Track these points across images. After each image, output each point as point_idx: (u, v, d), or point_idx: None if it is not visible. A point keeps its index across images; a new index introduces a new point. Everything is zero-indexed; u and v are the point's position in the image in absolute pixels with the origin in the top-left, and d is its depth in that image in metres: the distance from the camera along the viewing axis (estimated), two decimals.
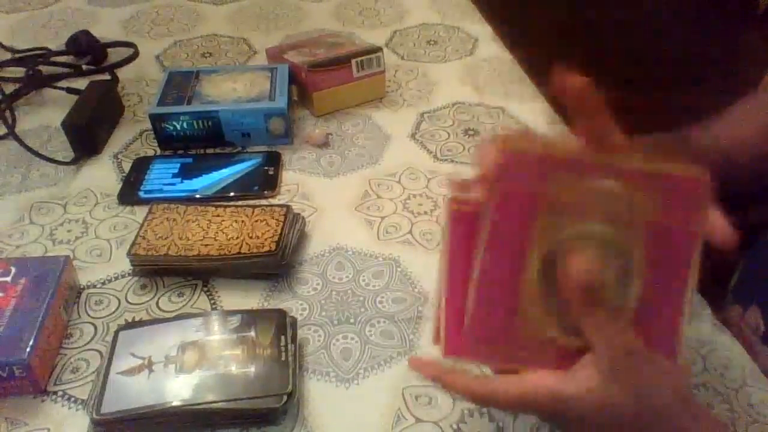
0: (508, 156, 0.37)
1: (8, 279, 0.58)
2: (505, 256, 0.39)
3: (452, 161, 0.80)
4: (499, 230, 0.38)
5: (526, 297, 0.39)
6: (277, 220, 0.66)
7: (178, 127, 0.80)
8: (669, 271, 0.39)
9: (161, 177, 0.77)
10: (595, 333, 0.37)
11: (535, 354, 0.40)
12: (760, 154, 0.56)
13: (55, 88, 0.92)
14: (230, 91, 0.83)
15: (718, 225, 0.38)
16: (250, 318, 0.57)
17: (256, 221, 0.66)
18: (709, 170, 0.38)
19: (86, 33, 1.00)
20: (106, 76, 0.95)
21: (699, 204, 0.38)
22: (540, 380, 0.38)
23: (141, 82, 0.96)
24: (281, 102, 0.81)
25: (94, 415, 0.50)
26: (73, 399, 0.54)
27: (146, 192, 0.74)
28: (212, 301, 0.62)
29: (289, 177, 0.78)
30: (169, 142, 0.82)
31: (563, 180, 0.37)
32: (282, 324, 0.56)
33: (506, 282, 0.39)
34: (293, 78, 0.87)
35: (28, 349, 0.52)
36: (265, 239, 0.64)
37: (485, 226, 0.38)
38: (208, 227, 0.66)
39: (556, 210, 0.38)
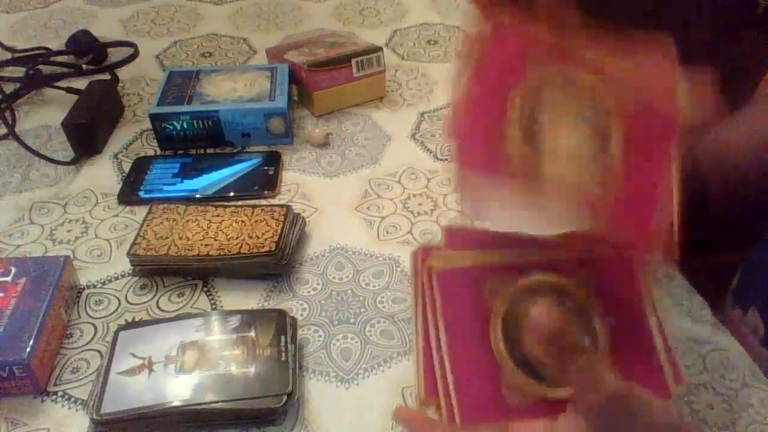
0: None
1: (8, 279, 0.58)
2: (467, 337, 0.39)
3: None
4: (455, 317, 0.39)
5: (503, 365, 0.39)
6: (277, 220, 0.66)
7: (178, 127, 0.80)
8: (625, 305, 0.39)
9: (161, 177, 0.77)
10: (574, 381, 0.36)
11: (525, 414, 0.39)
12: (762, 160, 0.57)
13: (55, 87, 0.91)
14: (230, 91, 0.83)
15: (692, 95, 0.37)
16: (250, 318, 0.57)
17: (256, 221, 0.66)
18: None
19: (86, 32, 1.00)
20: (106, 76, 0.95)
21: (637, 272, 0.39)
22: (526, 430, 0.38)
23: (141, 82, 0.96)
24: (281, 102, 0.81)
25: (94, 416, 0.50)
26: (73, 399, 0.54)
27: (146, 192, 0.74)
28: (212, 301, 0.62)
29: (289, 177, 0.78)
30: (170, 142, 0.82)
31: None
32: (282, 324, 0.56)
33: (479, 356, 0.39)
34: (293, 78, 0.87)
35: (28, 349, 0.52)
36: (265, 239, 0.64)
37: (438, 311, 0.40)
38: (208, 227, 0.66)
39: (503, 275, 0.39)
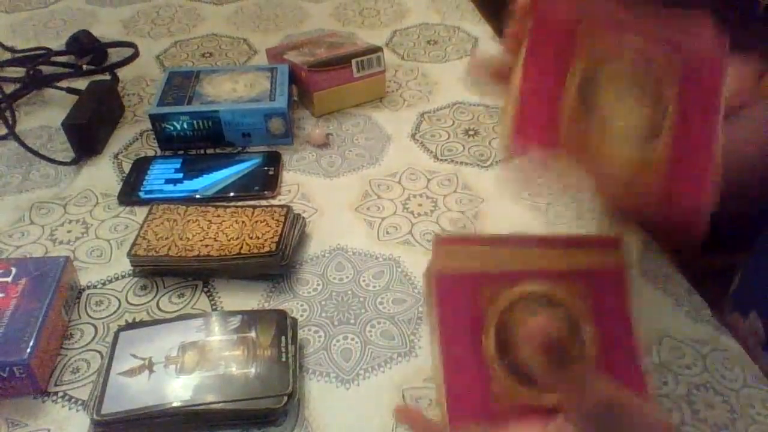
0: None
1: (8, 279, 0.58)
2: (460, 342, 0.41)
3: (452, 161, 0.80)
4: (451, 321, 0.41)
5: (493, 371, 0.40)
6: (277, 220, 0.66)
7: (178, 127, 0.80)
8: (614, 315, 0.40)
9: (161, 177, 0.77)
10: (566, 388, 0.37)
11: (512, 419, 0.40)
12: (764, 158, 0.56)
13: (56, 88, 0.91)
14: (230, 91, 0.83)
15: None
16: (251, 319, 0.57)
17: (257, 222, 0.66)
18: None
19: (86, 33, 1.00)
20: (106, 76, 0.95)
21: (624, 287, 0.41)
22: None
23: (141, 82, 0.96)
24: (281, 102, 0.81)
25: (95, 416, 0.50)
26: (73, 400, 0.54)
27: (146, 192, 0.74)
28: (212, 302, 0.62)
29: (289, 177, 0.78)
30: (170, 142, 0.82)
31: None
32: (282, 325, 0.56)
33: (471, 361, 0.41)
34: (293, 78, 0.87)
35: (28, 350, 0.53)
36: (266, 240, 0.64)
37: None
38: (208, 228, 0.66)
39: (498, 282, 0.41)
